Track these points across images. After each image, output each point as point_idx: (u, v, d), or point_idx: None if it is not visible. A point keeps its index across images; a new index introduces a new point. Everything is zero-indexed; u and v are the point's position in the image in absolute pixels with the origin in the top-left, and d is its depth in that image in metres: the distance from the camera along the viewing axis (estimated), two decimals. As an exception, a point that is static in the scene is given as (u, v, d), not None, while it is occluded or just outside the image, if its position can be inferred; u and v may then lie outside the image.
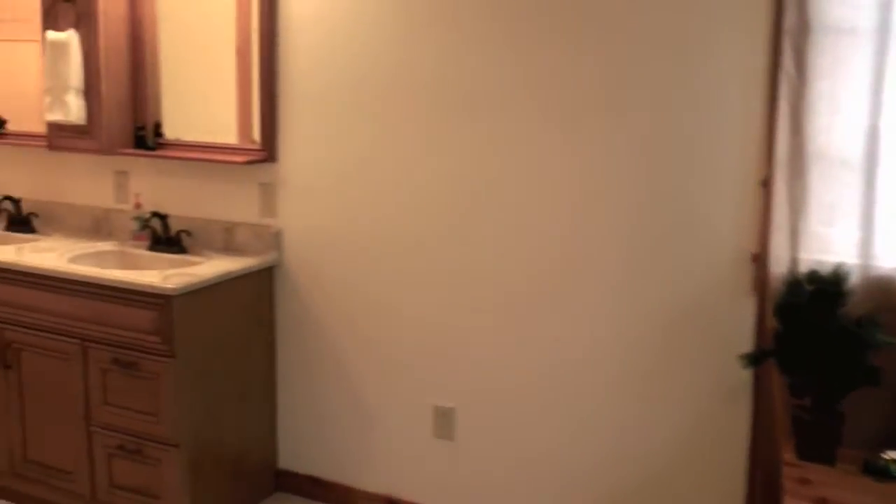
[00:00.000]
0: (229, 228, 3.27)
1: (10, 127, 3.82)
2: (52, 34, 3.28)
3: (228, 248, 3.26)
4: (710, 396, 2.60)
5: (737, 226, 2.50)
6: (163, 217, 3.27)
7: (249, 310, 3.14)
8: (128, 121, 3.39)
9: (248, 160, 3.08)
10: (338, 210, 3.08)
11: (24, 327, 3.09)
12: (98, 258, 3.27)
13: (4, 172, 3.89)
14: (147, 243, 3.31)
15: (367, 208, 3.02)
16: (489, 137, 2.81)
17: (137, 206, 3.43)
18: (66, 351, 3.01)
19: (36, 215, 3.65)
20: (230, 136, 3.28)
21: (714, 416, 2.61)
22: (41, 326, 3.05)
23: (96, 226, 3.60)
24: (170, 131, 3.41)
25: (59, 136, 3.44)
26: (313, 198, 3.11)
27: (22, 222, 3.64)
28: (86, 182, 3.65)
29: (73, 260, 3.15)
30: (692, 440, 2.65)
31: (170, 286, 2.75)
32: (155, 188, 3.46)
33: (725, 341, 2.53)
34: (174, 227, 3.33)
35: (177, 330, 2.79)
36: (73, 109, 3.26)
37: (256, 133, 3.19)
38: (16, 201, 3.67)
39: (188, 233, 3.26)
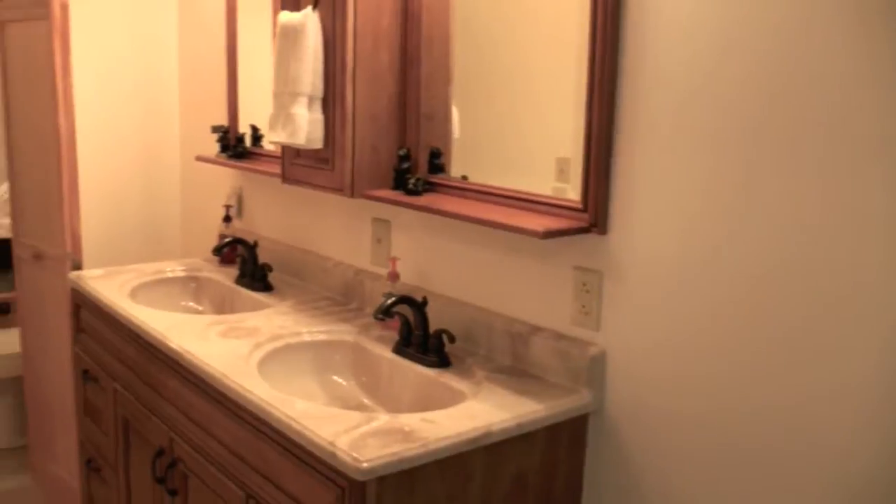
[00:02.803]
0: (521, 336, 1.94)
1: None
2: (284, 16, 2.17)
3: (515, 370, 1.93)
4: None
5: None
6: (418, 306, 2.01)
7: (532, 489, 1.77)
8: (388, 146, 2.18)
9: (549, 230, 1.71)
10: (721, 329, 1.60)
11: (193, 447, 2.02)
12: (318, 356, 2.13)
13: (254, 203, 2.91)
14: (397, 338, 2.09)
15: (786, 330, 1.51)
16: None
17: (393, 276, 2.22)
18: (228, 500, 1.89)
19: (270, 269, 2.59)
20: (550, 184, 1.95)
21: None
22: (208, 453, 1.95)
23: (346, 291, 2.47)
24: (459, 165, 2.16)
25: (294, 165, 2.33)
26: (670, 304, 1.66)
27: (254, 275, 2.61)
28: (340, 229, 2.53)
29: (271, 357, 2.03)
30: None
31: (359, 464, 1.46)
32: (420, 250, 2.24)
33: None
34: (437, 318, 2.07)
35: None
36: (301, 127, 2.12)
37: (576, 184, 1.81)
38: (251, 247, 2.64)
39: (451, 336, 1.97)
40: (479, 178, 2.07)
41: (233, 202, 2.98)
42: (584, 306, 1.81)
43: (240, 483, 1.83)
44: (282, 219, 2.78)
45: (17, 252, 3.24)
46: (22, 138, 3.12)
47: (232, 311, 2.59)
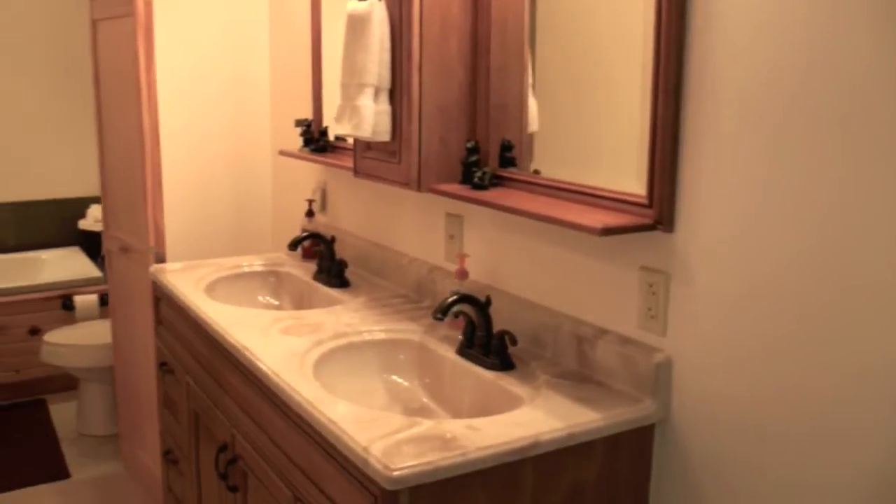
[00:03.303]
0: (587, 339, 1.82)
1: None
2: (351, 5, 2.12)
3: (580, 375, 1.81)
4: None
5: None
6: (481, 306, 1.92)
7: None
8: (458, 138, 2.10)
9: (607, 227, 1.59)
10: (798, 337, 1.44)
11: (251, 444, 1.99)
12: (381, 355, 2.07)
13: (337, 198, 2.88)
14: (461, 339, 2.00)
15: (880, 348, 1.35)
16: None
17: (461, 273, 2.14)
18: (279, 500, 1.85)
19: (346, 264, 2.55)
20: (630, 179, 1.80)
21: None
22: (263, 451, 1.92)
23: (419, 288, 2.40)
24: (538, 159, 2.06)
25: (365, 158, 2.28)
26: (740, 308, 1.51)
27: (329, 271, 2.57)
28: (415, 224, 2.47)
29: (331, 356, 1.98)
30: None
31: (389, 472, 1.38)
32: (490, 247, 2.15)
33: None
34: (505, 318, 1.99)
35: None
36: (367, 119, 2.06)
37: (641, 176, 1.68)
38: (328, 242, 2.61)
39: (513, 338, 1.87)
40: (559, 172, 1.95)
41: (317, 196, 2.96)
42: (650, 309, 1.68)
43: (289, 483, 1.79)
44: (362, 213, 2.74)
45: (107, 245, 3.32)
46: (111, 134, 3.20)
47: (309, 306, 2.56)
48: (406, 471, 1.38)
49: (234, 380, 2.07)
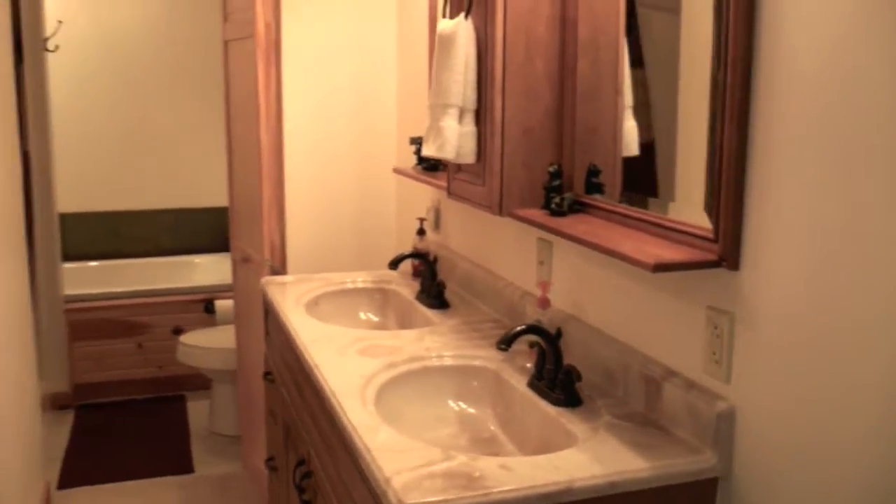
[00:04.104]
0: (654, 380, 1.71)
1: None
2: (441, 24, 2.10)
3: (644, 419, 1.70)
4: None
5: None
6: (550, 338, 1.85)
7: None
8: (543, 161, 2.04)
9: (661, 262, 1.48)
10: (871, 390, 1.29)
11: (320, 462, 2.00)
12: (454, 382, 2.04)
13: (449, 217, 2.87)
14: (533, 370, 1.94)
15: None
16: None
17: (543, 301, 2.06)
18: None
19: (444, 286, 2.53)
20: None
21: None
22: (328, 471, 1.92)
23: (510, 312, 2.35)
24: (634, 185, 1.97)
25: (455, 179, 2.26)
26: (810, 357, 1.36)
27: (429, 291, 2.57)
28: (512, 248, 2.42)
29: (400, 380, 1.96)
30: None
31: (418, 509, 1.35)
32: (574, 275, 2.07)
33: None
34: (580, 352, 1.91)
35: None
36: (449, 140, 2.04)
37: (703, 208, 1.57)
38: (429, 262, 2.60)
39: (578, 374, 1.78)
40: (653, 200, 1.86)
41: (431, 215, 2.96)
42: (714, 353, 1.56)
43: (341, 504, 1.79)
44: (468, 234, 2.71)
45: (232, 254, 3.46)
46: (238, 150, 3.33)
47: (409, 326, 2.56)
48: (419, 507, 1.34)
49: (309, 396, 2.09)
